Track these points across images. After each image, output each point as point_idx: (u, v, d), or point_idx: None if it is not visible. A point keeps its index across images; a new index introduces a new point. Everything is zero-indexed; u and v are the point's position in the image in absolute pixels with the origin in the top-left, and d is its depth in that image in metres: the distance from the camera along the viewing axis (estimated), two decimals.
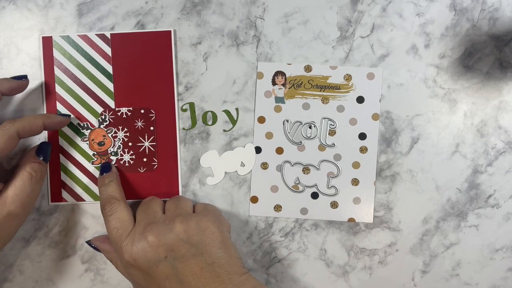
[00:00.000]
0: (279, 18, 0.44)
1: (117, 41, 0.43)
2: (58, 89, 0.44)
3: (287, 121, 0.44)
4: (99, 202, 0.43)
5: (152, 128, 0.44)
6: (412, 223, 0.45)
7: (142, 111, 0.44)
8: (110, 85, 0.44)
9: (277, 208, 0.44)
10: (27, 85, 0.42)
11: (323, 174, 0.44)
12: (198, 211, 0.41)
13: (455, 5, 0.44)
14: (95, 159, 0.44)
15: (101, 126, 0.44)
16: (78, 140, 0.44)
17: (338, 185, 0.44)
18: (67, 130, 0.44)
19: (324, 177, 0.44)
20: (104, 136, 0.44)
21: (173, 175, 0.44)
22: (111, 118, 0.44)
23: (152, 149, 0.44)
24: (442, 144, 0.44)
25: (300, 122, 0.44)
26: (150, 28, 0.44)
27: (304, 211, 0.44)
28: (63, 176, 0.44)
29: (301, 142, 0.44)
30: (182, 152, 0.44)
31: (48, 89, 0.43)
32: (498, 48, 0.44)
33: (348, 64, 0.44)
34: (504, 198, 0.44)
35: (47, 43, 0.43)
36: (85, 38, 0.43)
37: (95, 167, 0.44)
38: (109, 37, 0.43)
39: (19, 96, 0.43)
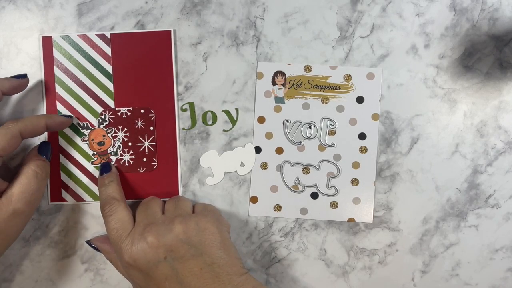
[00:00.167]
0: (279, 18, 0.44)
1: (117, 41, 0.43)
2: (58, 89, 0.44)
3: (287, 121, 0.44)
4: (99, 202, 0.43)
5: (152, 128, 0.44)
6: (412, 223, 0.45)
7: (142, 111, 0.44)
8: (110, 85, 0.44)
9: (277, 208, 0.44)
10: (27, 84, 0.42)
11: (323, 174, 0.44)
12: (198, 212, 0.41)
13: (455, 5, 0.44)
14: (95, 159, 0.44)
15: (101, 126, 0.44)
16: (78, 140, 0.44)
17: (338, 185, 0.44)
18: (67, 130, 0.44)
19: (324, 177, 0.44)
20: (104, 136, 0.44)
21: (173, 175, 0.44)
22: (111, 118, 0.44)
23: (152, 149, 0.44)
24: (442, 144, 0.44)
25: (300, 122, 0.44)
26: (150, 28, 0.44)
27: (304, 211, 0.44)
28: (63, 176, 0.44)
29: (301, 142, 0.44)
30: (182, 152, 0.44)
31: (48, 89, 0.43)
32: (498, 48, 0.44)
33: (348, 64, 0.44)
34: (504, 198, 0.44)
35: (47, 43, 0.43)
36: (85, 38, 0.43)
37: (95, 167, 0.44)
38: (109, 37, 0.43)
39: (19, 95, 0.43)
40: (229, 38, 0.44)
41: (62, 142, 0.44)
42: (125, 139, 0.44)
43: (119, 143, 0.44)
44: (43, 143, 0.42)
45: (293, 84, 0.44)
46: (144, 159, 0.44)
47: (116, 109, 0.44)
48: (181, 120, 0.44)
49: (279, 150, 0.44)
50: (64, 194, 0.44)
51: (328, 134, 0.44)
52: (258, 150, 0.44)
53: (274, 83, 0.44)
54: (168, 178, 0.44)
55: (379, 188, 0.45)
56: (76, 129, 0.44)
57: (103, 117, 0.44)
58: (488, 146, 0.44)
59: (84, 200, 0.44)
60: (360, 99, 0.44)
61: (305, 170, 0.44)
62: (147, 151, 0.44)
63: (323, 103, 0.44)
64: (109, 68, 0.44)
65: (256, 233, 0.45)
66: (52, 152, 0.43)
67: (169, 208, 0.41)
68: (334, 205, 0.44)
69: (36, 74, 0.43)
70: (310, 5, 0.44)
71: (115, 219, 0.40)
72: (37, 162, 0.40)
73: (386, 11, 0.44)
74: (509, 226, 0.45)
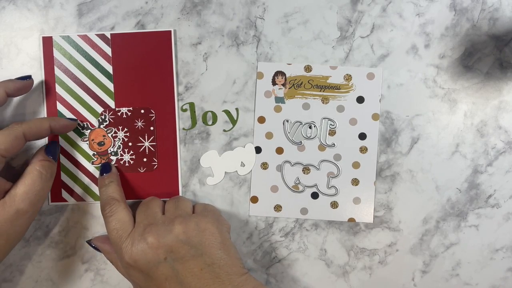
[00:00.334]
0: (279, 18, 0.44)
1: (117, 41, 0.43)
2: (58, 89, 0.44)
3: (287, 121, 0.44)
4: (99, 202, 0.43)
5: (152, 128, 0.44)
6: (412, 223, 0.45)
7: (142, 111, 0.44)
8: (110, 85, 0.44)
9: (277, 208, 0.44)
10: (32, 85, 0.42)
11: (323, 174, 0.44)
12: (198, 212, 0.41)
13: (455, 5, 0.44)
14: (95, 159, 0.44)
15: (101, 126, 0.44)
16: (78, 140, 0.44)
17: (338, 185, 0.44)
18: None
19: (324, 177, 0.44)
20: (104, 136, 0.44)
21: (173, 175, 0.44)
22: (111, 118, 0.44)
23: (152, 149, 0.44)
24: (442, 144, 0.44)
25: (300, 122, 0.44)
26: (150, 28, 0.44)
27: (304, 211, 0.44)
28: (63, 176, 0.44)
29: (301, 142, 0.44)
30: (182, 152, 0.44)
31: (48, 89, 0.43)
32: (498, 48, 0.44)
33: (348, 64, 0.44)
34: (504, 198, 0.44)
35: (47, 43, 0.43)
36: (85, 38, 0.43)
37: (95, 167, 0.44)
38: (109, 37, 0.43)
39: (19, 95, 0.43)
40: (229, 38, 0.44)
41: (62, 142, 0.44)
42: (125, 139, 0.44)
43: (119, 143, 0.44)
44: (51, 143, 0.42)
45: (293, 84, 0.44)
46: (144, 159, 0.44)
47: (116, 109, 0.44)
48: (181, 120, 0.44)
49: (279, 150, 0.44)
50: (64, 194, 0.44)
51: (328, 134, 0.44)
52: (258, 150, 0.44)
53: (274, 83, 0.44)
54: (168, 178, 0.44)
55: (379, 188, 0.45)
56: (76, 129, 0.44)
57: (103, 117, 0.44)
58: (488, 146, 0.44)
59: (85, 200, 0.44)
60: (360, 99, 0.44)
61: (305, 170, 0.44)
62: (147, 151, 0.44)
63: (323, 103, 0.44)
64: (109, 68, 0.44)
65: (257, 233, 0.45)
66: None
67: (169, 209, 0.41)
68: (334, 205, 0.44)
69: (36, 74, 0.43)
70: (310, 5, 0.44)
71: (115, 219, 0.40)
72: (42, 163, 0.40)
73: (386, 11, 0.44)
74: (509, 226, 0.45)
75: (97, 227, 0.45)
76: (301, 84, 0.44)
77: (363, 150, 0.44)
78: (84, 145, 0.44)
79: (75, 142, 0.44)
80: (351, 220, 0.45)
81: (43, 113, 0.44)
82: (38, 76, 0.43)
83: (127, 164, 0.44)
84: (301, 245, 0.45)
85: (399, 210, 0.45)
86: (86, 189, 0.44)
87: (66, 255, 0.45)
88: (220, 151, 0.45)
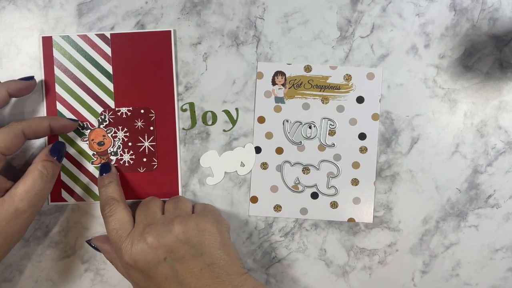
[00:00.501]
0: (279, 18, 0.44)
1: (117, 41, 0.43)
2: (58, 89, 0.44)
3: (287, 121, 0.44)
4: (99, 202, 0.43)
5: (152, 128, 0.44)
6: (412, 223, 0.45)
7: (142, 111, 0.44)
8: (110, 85, 0.44)
9: (277, 208, 0.44)
10: (34, 86, 0.42)
11: (323, 174, 0.44)
12: (197, 212, 0.41)
13: (455, 5, 0.44)
14: (95, 159, 0.44)
15: (101, 126, 0.44)
16: (78, 140, 0.44)
17: (338, 185, 0.44)
18: None
19: (324, 177, 0.44)
20: (103, 136, 0.44)
21: (173, 175, 0.44)
22: (111, 118, 0.44)
23: (152, 149, 0.44)
24: (442, 144, 0.44)
25: (300, 122, 0.44)
26: (150, 28, 0.44)
27: (304, 211, 0.44)
28: (63, 176, 0.44)
29: (301, 142, 0.44)
30: (182, 152, 0.44)
31: (48, 89, 0.43)
32: (498, 48, 0.44)
33: (348, 64, 0.44)
34: (504, 198, 0.44)
35: (47, 43, 0.43)
36: (85, 38, 0.43)
37: (95, 167, 0.44)
38: (109, 37, 0.43)
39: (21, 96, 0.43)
40: (229, 38, 0.44)
41: None
42: (125, 139, 0.44)
43: (119, 143, 0.44)
44: (57, 143, 0.42)
45: (293, 84, 0.44)
46: (144, 159, 0.44)
47: (116, 109, 0.44)
48: (181, 120, 0.44)
49: (279, 150, 0.44)
50: (64, 194, 0.44)
51: (328, 134, 0.44)
52: (258, 150, 0.44)
53: (274, 83, 0.44)
54: (168, 178, 0.44)
55: (379, 188, 0.45)
56: (76, 129, 0.44)
57: (102, 117, 0.44)
58: (488, 146, 0.44)
59: (84, 200, 0.44)
60: (360, 99, 0.44)
61: (305, 170, 0.44)
62: (147, 151, 0.44)
63: (323, 103, 0.44)
64: (109, 68, 0.44)
65: (256, 233, 0.45)
66: None
67: (169, 209, 0.41)
68: (334, 205, 0.44)
69: (36, 74, 0.43)
70: (310, 5, 0.44)
71: (115, 219, 0.40)
72: (45, 163, 0.40)
73: (386, 11, 0.44)
74: (509, 226, 0.45)
75: (97, 227, 0.45)
76: (301, 84, 0.44)
77: (363, 150, 0.44)
78: (84, 145, 0.44)
79: (75, 142, 0.44)
80: (351, 220, 0.45)
81: (43, 113, 0.44)
82: (38, 76, 0.43)
83: (127, 164, 0.44)
84: (301, 245, 0.45)
85: (399, 210, 0.45)
86: (86, 189, 0.44)
87: (66, 255, 0.45)
88: (220, 151, 0.45)
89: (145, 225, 0.39)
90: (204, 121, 0.44)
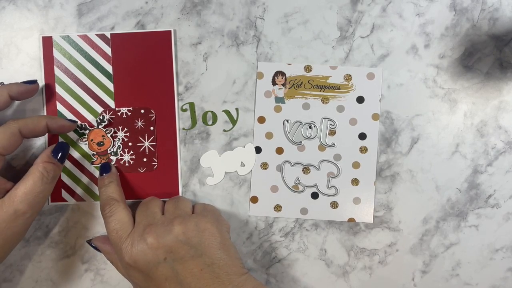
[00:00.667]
0: (279, 18, 0.44)
1: (117, 41, 0.43)
2: (58, 89, 0.44)
3: (287, 121, 0.44)
4: (99, 202, 0.43)
5: (152, 128, 0.44)
6: (412, 223, 0.45)
7: (142, 111, 0.44)
8: (110, 85, 0.44)
9: (277, 208, 0.44)
10: (37, 90, 0.42)
11: (323, 174, 0.44)
12: (197, 212, 0.41)
13: (455, 5, 0.44)
14: (95, 159, 0.44)
15: (100, 126, 0.44)
16: (77, 140, 0.44)
17: (338, 185, 0.44)
18: None
19: (324, 177, 0.44)
20: (103, 136, 0.44)
21: (173, 175, 0.44)
22: (111, 118, 0.44)
23: (152, 149, 0.44)
24: (442, 144, 0.44)
25: (300, 122, 0.44)
26: (150, 28, 0.44)
27: (304, 211, 0.44)
28: (63, 176, 0.44)
29: (301, 142, 0.44)
30: (182, 152, 0.44)
31: (48, 89, 0.43)
32: (498, 48, 0.44)
33: (348, 64, 0.44)
34: (504, 198, 0.44)
35: (47, 43, 0.43)
36: (85, 38, 0.43)
37: (95, 167, 0.44)
38: (109, 37, 0.43)
39: (23, 99, 0.43)
40: (229, 38, 0.44)
41: None
42: (125, 139, 0.44)
43: (119, 143, 0.44)
44: (59, 143, 0.42)
45: (293, 84, 0.44)
46: (144, 159, 0.44)
47: (116, 109, 0.44)
48: (181, 120, 0.44)
49: (279, 150, 0.44)
50: (64, 194, 0.44)
51: (328, 134, 0.44)
52: (258, 150, 0.44)
53: (274, 83, 0.44)
54: (168, 178, 0.44)
55: (379, 188, 0.45)
56: (75, 130, 0.44)
57: (101, 117, 0.44)
58: (488, 146, 0.44)
59: (85, 200, 0.44)
60: (360, 99, 0.44)
61: (305, 170, 0.44)
62: (147, 151, 0.44)
63: (323, 103, 0.44)
64: (109, 68, 0.44)
65: (256, 233, 0.45)
66: None
67: (169, 209, 0.41)
68: (334, 205, 0.44)
69: (36, 74, 0.43)
70: (310, 5, 0.44)
71: (115, 220, 0.39)
72: (46, 165, 0.39)
73: (386, 11, 0.44)
74: (509, 226, 0.45)
75: (97, 227, 0.45)
76: (301, 84, 0.44)
77: (363, 150, 0.44)
78: (84, 146, 0.44)
79: (75, 142, 0.44)
80: (351, 220, 0.45)
81: (43, 113, 0.44)
82: (38, 76, 0.43)
83: (127, 164, 0.44)
84: (301, 245, 0.45)
85: (399, 210, 0.45)
86: (86, 189, 0.44)
87: (66, 255, 0.45)
88: (220, 151, 0.45)
89: (145, 226, 0.39)
90: (204, 121, 0.44)
